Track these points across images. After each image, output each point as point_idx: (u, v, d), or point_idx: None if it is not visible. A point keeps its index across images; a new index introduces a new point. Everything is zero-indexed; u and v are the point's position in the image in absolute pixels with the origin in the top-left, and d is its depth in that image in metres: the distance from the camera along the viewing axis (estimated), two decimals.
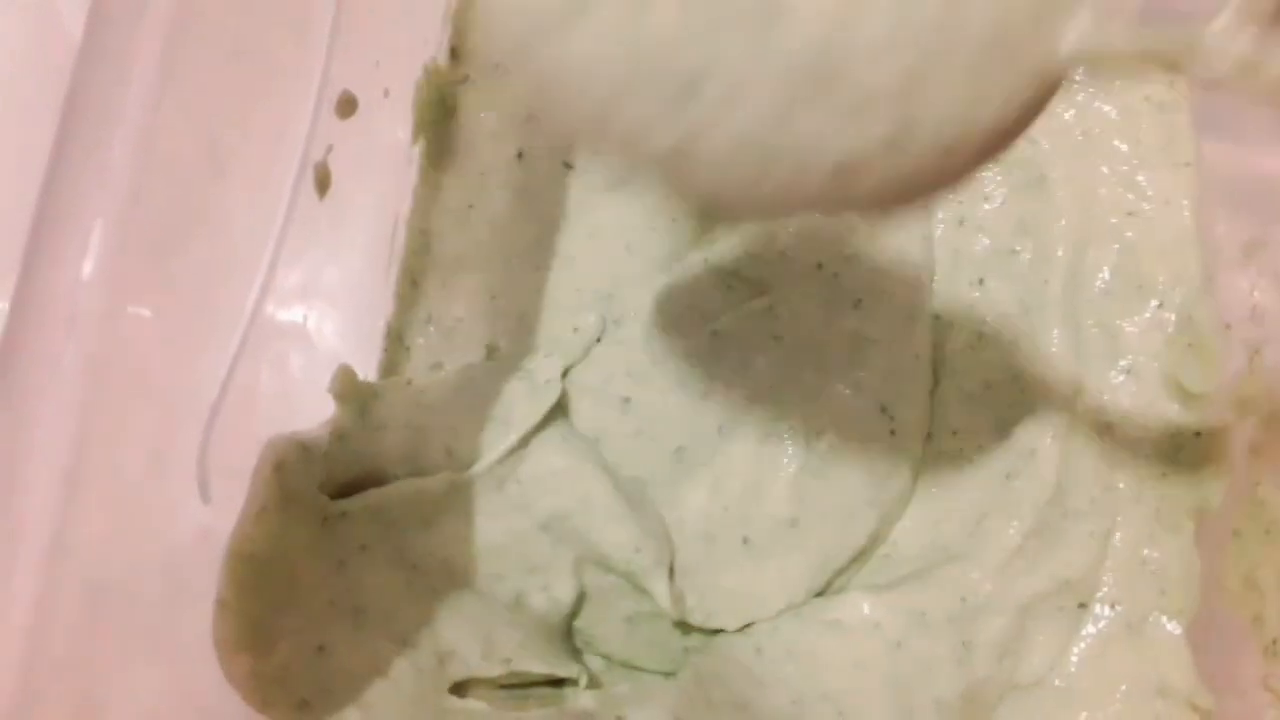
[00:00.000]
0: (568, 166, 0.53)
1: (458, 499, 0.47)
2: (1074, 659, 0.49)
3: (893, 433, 0.50)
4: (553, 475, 0.47)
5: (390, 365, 0.50)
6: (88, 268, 0.32)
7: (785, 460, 0.49)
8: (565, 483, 0.47)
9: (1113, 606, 0.49)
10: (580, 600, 0.48)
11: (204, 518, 0.39)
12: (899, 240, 0.52)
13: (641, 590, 0.48)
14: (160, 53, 0.34)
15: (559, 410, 0.49)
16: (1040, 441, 0.50)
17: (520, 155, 0.53)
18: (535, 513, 0.47)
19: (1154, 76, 0.53)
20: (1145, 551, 0.50)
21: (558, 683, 0.47)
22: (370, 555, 0.46)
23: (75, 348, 0.33)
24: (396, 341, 0.50)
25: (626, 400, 0.50)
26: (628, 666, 0.49)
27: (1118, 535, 0.50)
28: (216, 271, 0.40)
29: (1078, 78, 0.54)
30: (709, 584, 0.49)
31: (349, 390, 0.46)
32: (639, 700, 0.46)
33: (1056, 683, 0.48)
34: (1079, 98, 0.54)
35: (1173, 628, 0.48)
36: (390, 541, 0.46)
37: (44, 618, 0.32)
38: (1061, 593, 0.49)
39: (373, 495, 0.46)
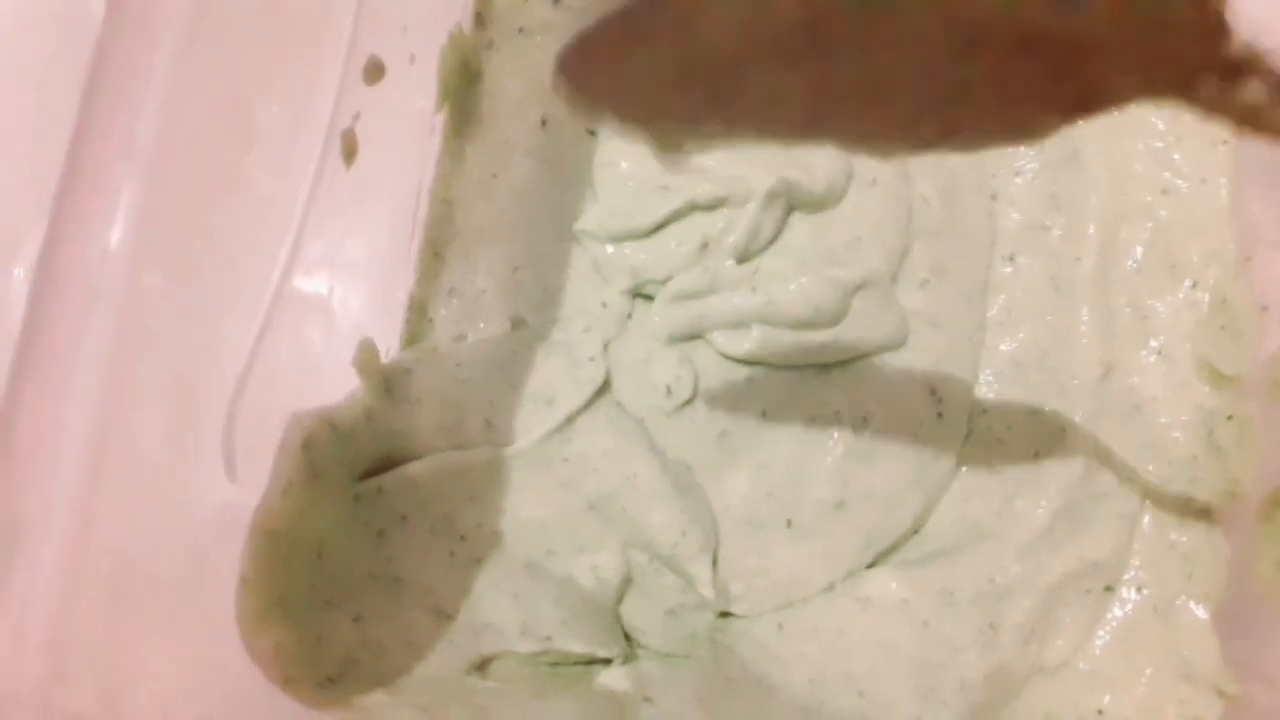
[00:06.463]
0: (592, 134, 0.52)
1: (501, 473, 0.47)
2: (1099, 642, 0.48)
3: (940, 415, 0.49)
4: (601, 454, 0.47)
5: (413, 337, 0.49)
6: (114, 237, 0.32)
7: (831, 444, 0.48)
8: (613, 463, 0.47)
9: (1139, 590, 0.49)
10: (625, 585, 0.48)
11: (229, 493, 0.39)
12: (967, 216, 0.51)
13: (684, 577, 0.47)
14: (187, 19, 0.33)
15: (602, 387, 0.48)
16: (1069, 421, 0.50)
17: (544, 122, 0.52)
18: (583, 491, 0.47)
19: None
20: (1173, 535, 0.49)
21: (585, 660, 0.46)
22: (411, 526, 0.45)
23: (101, 318, 0.32)
24: (419, 313, 0.49)
25: (668, 382, 0.48)
26: (663, 656, 0.48)
27: (1146, 518, 0.49)
28: (244, 242, 0.39)
29: None
30: (753, 570, 0.48)
31: (372, 365, 0.46)
32: (665, 681, 0.45)
33: (1081, 666, 0.48)
34: None
35: (1200, 612, 0.48)
36: (434, 512, 0.46)
37: (70, 593, 0.32)
38: (1088, 575, 0.48)
39: (411, 468, 0.46)
